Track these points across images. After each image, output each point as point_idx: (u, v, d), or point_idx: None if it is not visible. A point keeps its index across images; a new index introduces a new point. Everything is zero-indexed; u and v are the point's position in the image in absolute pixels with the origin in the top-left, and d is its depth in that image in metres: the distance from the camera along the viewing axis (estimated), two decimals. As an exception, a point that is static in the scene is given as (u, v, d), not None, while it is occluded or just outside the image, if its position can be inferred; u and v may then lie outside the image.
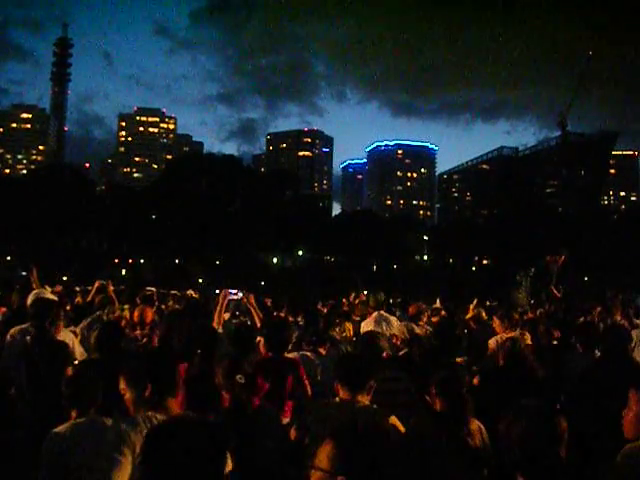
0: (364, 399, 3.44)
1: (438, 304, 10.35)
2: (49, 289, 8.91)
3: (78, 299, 11.32)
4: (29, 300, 6.42)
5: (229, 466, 2.78)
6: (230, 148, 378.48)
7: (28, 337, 4.78)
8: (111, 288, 8.65)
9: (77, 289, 12.99)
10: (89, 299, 8.98)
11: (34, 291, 6.68)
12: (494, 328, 7.09)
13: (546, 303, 8.94)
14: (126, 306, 7.76)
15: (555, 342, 6.74)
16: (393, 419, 3.39)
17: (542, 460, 2.28)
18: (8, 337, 5.83)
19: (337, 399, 3.55)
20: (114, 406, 3.27)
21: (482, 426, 3.50)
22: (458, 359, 5.68)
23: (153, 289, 9.88)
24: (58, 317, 5.10)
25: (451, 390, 3.52)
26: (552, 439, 2.31)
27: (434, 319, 8.86)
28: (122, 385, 3.09)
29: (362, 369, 3.54)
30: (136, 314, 6.87)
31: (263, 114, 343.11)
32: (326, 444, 1.75)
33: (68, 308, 9.13)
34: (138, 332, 6.52)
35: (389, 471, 1.73)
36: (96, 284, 9.20)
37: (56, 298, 7.10)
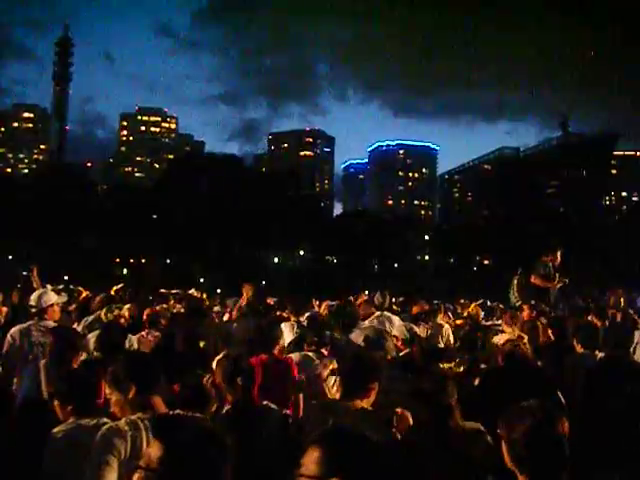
0: (363, 402, 3.38)
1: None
2: (50, 287, 8.92)
3: (80, 298, 11.32)
4: (32, 299, 6.42)
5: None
6: (232, 148, 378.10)
7: (43, 361, 4.72)
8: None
9: (72, 287, 12.99)
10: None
11: (37, 291, 6.66)
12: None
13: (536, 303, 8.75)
14: (127, 306, 7.76)
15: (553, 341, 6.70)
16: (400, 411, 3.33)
17: (545, 460, 2.28)
18: (8, 337, 5.83)
19: (332, 400, 3.53)
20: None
21: (482, 428, 3.47)
22: (459, 360, 5.67)
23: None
24: (79, 349, 4.97)
25: (430, 400, 3.47)
26: (554, 439, 2.31)
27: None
28: (107, 390, 3.08)
29: (362, 372, 3.46)
30: (145, 315, 6.91)
31: (265, 114, 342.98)
32: (312, 450, 1.71)
33: (72, 308, 9.15)
34: (144, 333, 6.53)
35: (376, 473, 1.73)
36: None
37: (64, 297, 7.07)
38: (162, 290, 14.90)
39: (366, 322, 7.64)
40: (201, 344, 5.70)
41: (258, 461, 3.32)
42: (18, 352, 5.69)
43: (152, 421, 2.70)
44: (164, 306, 9.99)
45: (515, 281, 9.28)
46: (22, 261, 57.30)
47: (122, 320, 6.93)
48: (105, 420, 3.19)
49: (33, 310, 6.20)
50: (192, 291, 13.02)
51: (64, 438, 3.19)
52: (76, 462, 2.96)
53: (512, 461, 2.34)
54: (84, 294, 10.84)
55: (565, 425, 2.34)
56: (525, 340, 5.86)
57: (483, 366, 5.73)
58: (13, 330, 5.88)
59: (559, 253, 9.15)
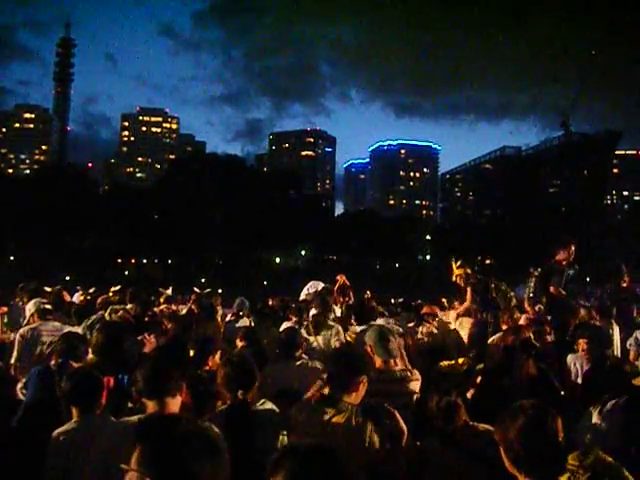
0: (351, 397, 3.37)
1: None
2: (48, 289, 8.95)
3: (81, 298, 11.34)
4: (29, 308, 6.46)
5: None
6: (235, 149, 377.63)
7: (52, 363, 4.74)
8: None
9: (78, 288, 13.04)
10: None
11: (33, 300, 6.68)
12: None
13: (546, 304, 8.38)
14: (129, 306, 7.75)
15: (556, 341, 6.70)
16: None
17: (543, 458, 2.28)
18: (18, 337, 5.86)
19: (321, 397, 3.53)
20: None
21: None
22: (460, 360, 5.67)
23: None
24: (85, 353, 5.01)
25: (448, 415, 3.45)
26: (549, 436, 2.31)
27: None
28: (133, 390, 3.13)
29: (348, 368, 3.45)
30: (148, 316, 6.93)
31: (269, 114, 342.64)
32: (271, 465, 1.85)
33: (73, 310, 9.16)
34: (146, 334, 6.52)
35: None
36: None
37: (49, 306, 7.03)
38: (161, 290, 14.89)
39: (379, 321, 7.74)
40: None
41: (258, 461, 3.33)
42: (29, 351, 5.73)
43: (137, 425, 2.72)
44: (165, 307, 10.02)
45: (532, 284, 8.57)
46: (23, 261, 57.38)
47: (126, 321, 6.93)
48: (112, 419, 3.21)
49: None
50: (198, 291, 12.87)
51: (66, 437, 3.20)
52: (77, 461, 2.98)
53: (511, 463, 2.34)
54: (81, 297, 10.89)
55: (559, 422, 2.34)
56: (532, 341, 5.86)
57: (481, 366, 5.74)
58: (24, 330, 5.92)
59: (573, 248, 8.29)
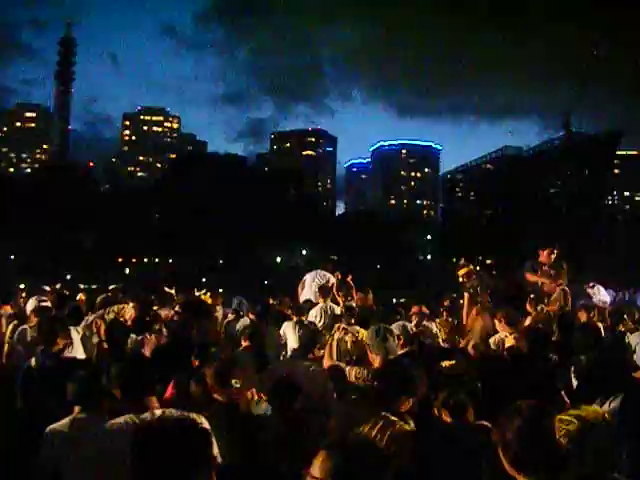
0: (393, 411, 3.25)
1: None
2: (47, 288, 8.99)
3: (81, 297, 11.37)
4: (29, 306, 6.50)
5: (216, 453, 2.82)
6: (237, 148, 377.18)
7: (33, 359, 4.78)
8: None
9: (81, 287, 13.08)
10: None
11: (33, 297, 6.73)
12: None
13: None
14: (130, 305, 7.76)
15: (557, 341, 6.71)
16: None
17: (541, 458, 2.30)
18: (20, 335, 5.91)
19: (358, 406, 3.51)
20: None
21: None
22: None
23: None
24: (65, 337, 5.04)
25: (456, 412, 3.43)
26: (546, 436, 2.33)
27: None
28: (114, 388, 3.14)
29: (400, 387, 3.35)
30: (163, 314, 7.00)
31: (272, 114, 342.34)
32: (320, 455, 1.85)
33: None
34: (147, 333, 6.55)
35: None
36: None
37: (48, 303, 7.07)
38: (166, 290, 14.87)
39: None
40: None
41: (257, 458, 3.34)
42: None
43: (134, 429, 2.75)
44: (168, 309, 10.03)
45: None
46: (23, 260, 57.42)
47: (122, 319, 6.96)
48: (107, 420, 3.23)
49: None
50: (199, 292, 12.84)
51: (58, 433, 3.23)
52: (67, 457, 3.00)
53: (509, 463, 2.35)
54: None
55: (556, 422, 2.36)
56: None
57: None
58: (28, 327, 6.00)
59: (555, 252, 8.58)
